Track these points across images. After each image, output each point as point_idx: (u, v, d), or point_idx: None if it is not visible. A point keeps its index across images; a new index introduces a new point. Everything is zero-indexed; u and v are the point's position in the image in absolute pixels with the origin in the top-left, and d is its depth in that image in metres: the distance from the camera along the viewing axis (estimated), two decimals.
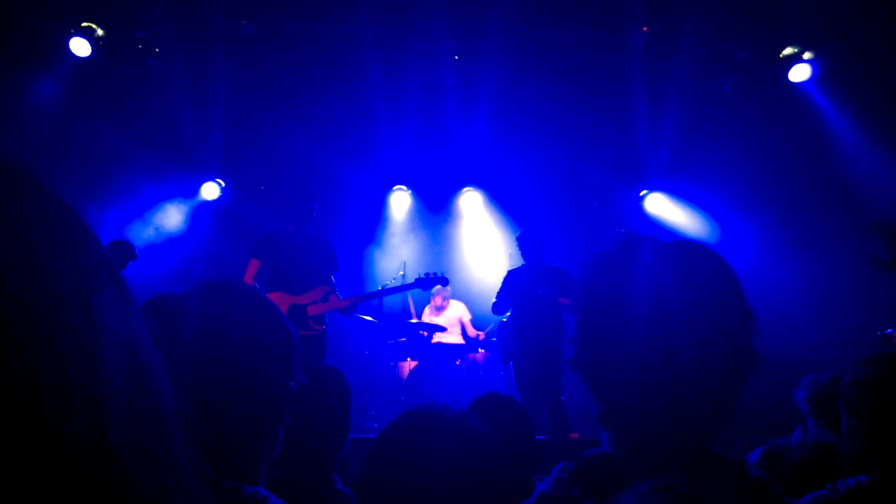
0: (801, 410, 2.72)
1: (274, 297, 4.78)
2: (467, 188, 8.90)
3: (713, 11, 6.91)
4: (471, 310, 8.20)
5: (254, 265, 4.88)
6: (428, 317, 7.78)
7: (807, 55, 7.52)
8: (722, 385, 0.94)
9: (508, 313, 5.90)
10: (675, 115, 8.24)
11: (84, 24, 6.93)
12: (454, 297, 7.93)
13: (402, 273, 7.43)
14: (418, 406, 1.52)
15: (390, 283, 7.43)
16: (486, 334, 7.62)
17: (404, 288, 5.12)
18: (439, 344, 7.30)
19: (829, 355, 6.81)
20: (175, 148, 8.10)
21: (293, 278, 4.80)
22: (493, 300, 5.87)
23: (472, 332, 7.75)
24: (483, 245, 8.85)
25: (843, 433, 1.88)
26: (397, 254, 8.41)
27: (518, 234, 5.83)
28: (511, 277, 5.81)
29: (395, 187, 8.83)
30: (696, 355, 0.91)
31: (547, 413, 5.23)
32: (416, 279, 5.05)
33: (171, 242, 8.07)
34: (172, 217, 8.15)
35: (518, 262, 7.53)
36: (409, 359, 7.26)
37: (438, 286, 7.51)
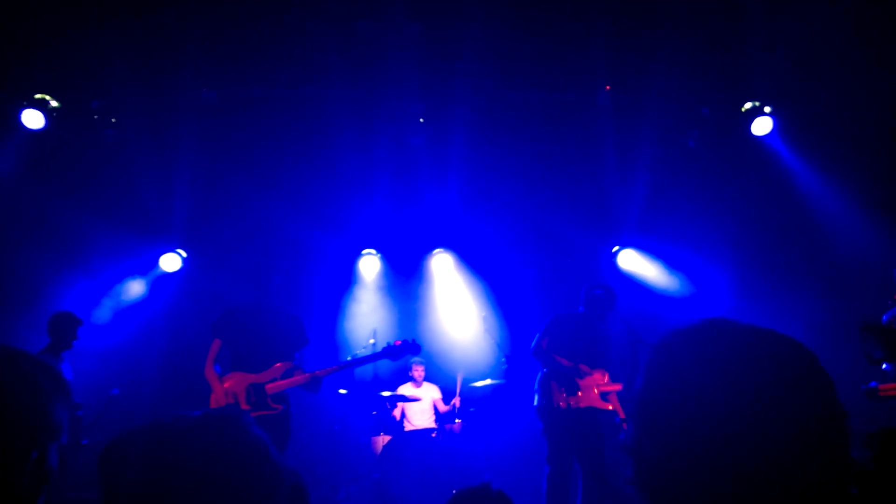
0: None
1: (233, 376, 4.51)
2: (438, 250, 8.73)
3: (676, 68, 7.01)
4: (441, 374, 7.94)
5: (216, 345, 4.64)
6: (404, 387, 7.47)
7: (767, 109, 7.65)
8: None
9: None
10: (643, 171, 8.29)
11: (37, 95, 6.73)
12: (426, 367, 7.67)
13: (372, 341, 7.15)
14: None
15: (360, 351, 7.15)
16: (460, 401, 7.33)
17: (373, 358, 4.83)
18: (413, 432, 6.98)
19: None
20: (136, 218, 7.85)
21: (253, 356, 4.55)
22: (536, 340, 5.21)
23: (443, 408, 7.47)
24: (455, 307, 8.63)
25: None
26: (367, 320, 8.14)
27: (593, 282, 5.37)
28: (564, 320, 5.16)
29: (364, 251, 8.61)
30: (797, 474, 0.71)
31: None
32: (385, 348, 4.76)
33: (131, 312, 7.74)
34: (133, 289, 7.84)
35: (491, 321, 7.36)
36: (382, 433, 6.92)
37: (416, 359, 7.27)
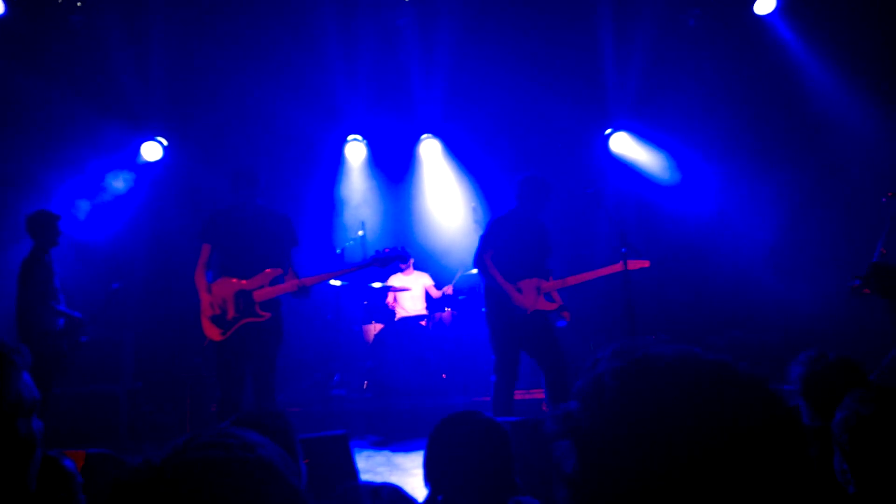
0: (793, 387, 2.53)
1: (222, 282, 4.52)
2: (426, 136, 8.54)
3: None
4: (433, 263, 8.04)
5: (206, 250, 4.59)
6: (394, 277, 7.57)
7: None
8: None
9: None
10: (640, 51, 8.01)
11: None
12: (416, 257, 7.73)
13: (361, 233, 7.16)
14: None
15: (349, 243, 7.19)
16: (453, 289, 7.46)
17: (362, 265, 4.82)
18: (404, 318, 7.12)
19: (796, 299, 6.85)
20: (113, 106, 7.58)
21: (242, 261, 4.53)
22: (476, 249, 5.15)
23: (435, 293, 7.59)
24: (443, 196, 8.57)
25: (836, 472, 1.76)
26: (355, 210, 8.10)
27: (525, 177, 5.14)
28: (501, 225, 5.07)
29: (349, 138, 8.40)
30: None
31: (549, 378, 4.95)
32: (374, 255, 4.73)
33: (115, 204, 7.65)
34: (115, 181, 7.70)
35: (480, 212, 7.34)
36: (374, 322, 7.10)
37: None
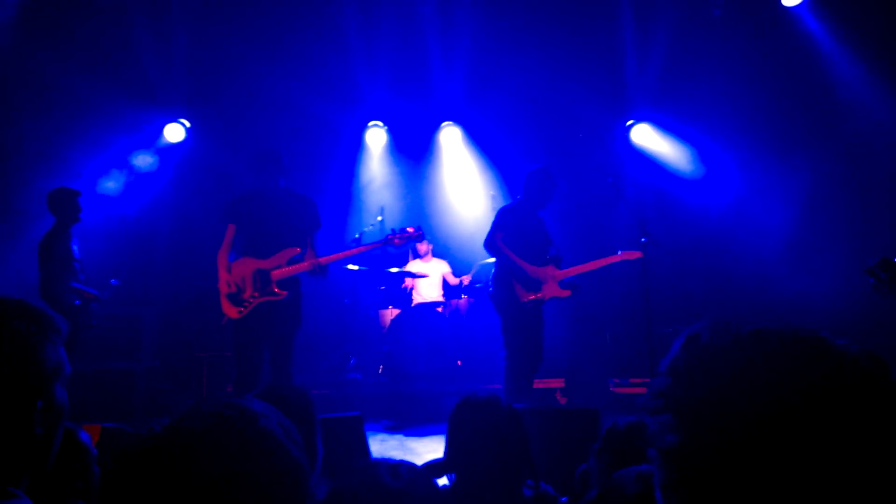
0: None
1: (242, 261, 4.57)
2: (447, 123, 8.52)
3: None
4: (451, 251, 8.03)
5: (231, 230, 4.67)
6: (412, 263, 7.58)
7: None
8: None
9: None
10: (663, 42, 7.93)
11: None
12: (434, 244, 7.73)
13: (380, 218, 7.19)
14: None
15: (368, 228, 7.21)
16: (471, 278, 7.46)
17: (377, 245, 4.84)
18: (421, 304, 7.13)
19: (816, 290, 6.77)
20: (138, 89, 7.65)
21: (262, 241, 4.58)
22: (487, 236, 5.26)
23: (453, 280, 7.59)
24: (463, 183, 8.56)
25: None
26: (375, 195, 8.12)
27: (533, 169, 5.23)
28: (510, 215, 5.19)
29: (370, 123, 8.41)
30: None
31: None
32: (388, 234, 4.76)
33: (138, 184, 7.74)
34: (139, 160, 7.78)
35: (500, 201, 7.33)
36: (390, 307, 7.12)
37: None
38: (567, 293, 5.12)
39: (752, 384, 0.76)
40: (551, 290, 5.06)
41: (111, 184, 7.47)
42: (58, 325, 1.27)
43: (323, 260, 4.55)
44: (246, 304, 4.50)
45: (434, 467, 2.24)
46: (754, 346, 0.79)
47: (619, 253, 5.22)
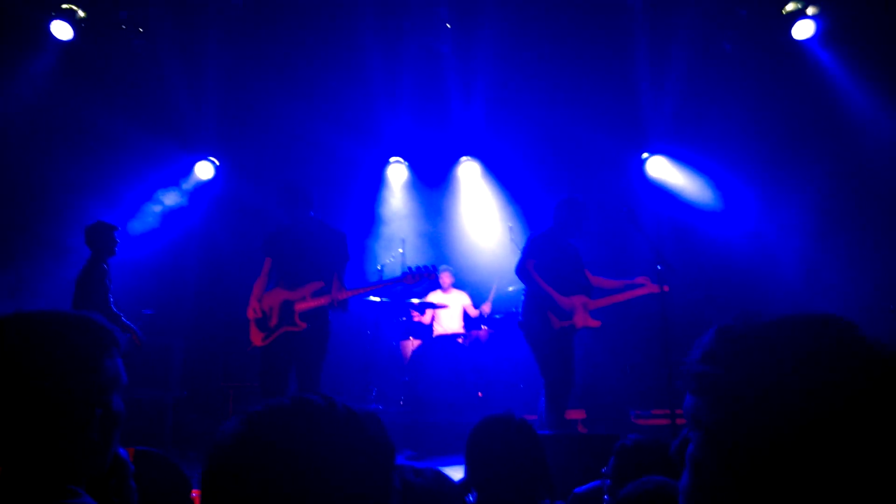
0: None
1: (274, 292, 4.76)
2: (465, 158, 8.74)
3: None
4: (470, 282, 8.16)
5: (268, 263, 4.89)
6: (432, 294, 7.73)
7: (810, 10, 7.27)
8: None
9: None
10: (676, 76, 8.06)
11: (64, 5, 6.71)
12: (454, 279, 7.88)
13: (400, 251, 7.36)
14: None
15: (389, 261, 7.38)
16: (490, 307, 7.57)
17: (392, 283, 4.99)
18: (441, 336, 7.26)
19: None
20: (169, 128, 7.97)
21: (292, 273, 4.77)
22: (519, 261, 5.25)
23: (473, 312, 7.72)
24: (481, 215, 8.74)
25: None
26: (395, 229, 8.31)
27: (564, 199, 5.32)
28: (541, 242, 5.19)
29: (391, 159, 8.66)
30: None
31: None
32: (403, 272, 4.93)
33: (169, 220, 8.00)
34: (169, 198, 8.07)
35: (518, 233, 7.47)
36: (411, 338, 7.25)
37: (444, 266, 7.48)
38: (597, 323, 5.09)
39: (788, 364, 0.81)
40: (582, 320, 5.04)
41: (145, 218, 7.74)
42: (117, 339, 1.41)
43: (341, 295, 4.69)
44: (270, 332, 4.68)
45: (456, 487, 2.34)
46: (787, 331, 0.85)
47: (644, 286, 5.18)
